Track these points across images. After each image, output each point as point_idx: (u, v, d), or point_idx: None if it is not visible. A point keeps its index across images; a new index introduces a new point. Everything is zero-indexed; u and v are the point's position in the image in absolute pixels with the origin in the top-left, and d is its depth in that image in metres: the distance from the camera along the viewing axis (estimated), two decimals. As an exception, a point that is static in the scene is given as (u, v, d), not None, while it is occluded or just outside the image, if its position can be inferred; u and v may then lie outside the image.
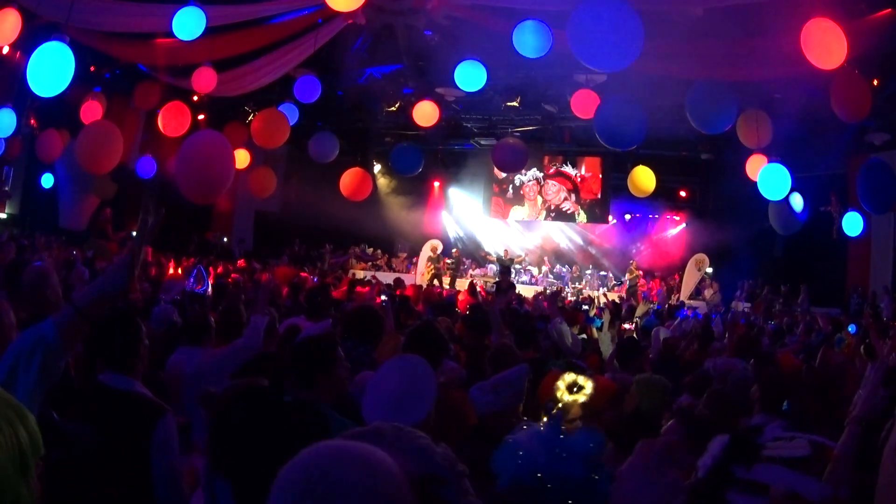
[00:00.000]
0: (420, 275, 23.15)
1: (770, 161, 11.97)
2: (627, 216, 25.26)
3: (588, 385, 4.49)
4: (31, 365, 2.76)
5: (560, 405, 4.33)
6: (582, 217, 25.25)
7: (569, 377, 4.56)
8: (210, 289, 9.80)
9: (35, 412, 2.81)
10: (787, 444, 3.43)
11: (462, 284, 21.21)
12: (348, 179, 16.23)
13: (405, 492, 1.30)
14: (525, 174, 25.05)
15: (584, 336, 9.53)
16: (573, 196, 25.22)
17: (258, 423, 2.08)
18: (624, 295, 20.40)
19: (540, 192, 25.62)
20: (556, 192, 25.45)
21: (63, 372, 3.03)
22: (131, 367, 3.66)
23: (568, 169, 25.31)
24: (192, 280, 10.09)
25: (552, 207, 25.51)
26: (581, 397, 4.39)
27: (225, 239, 23.74)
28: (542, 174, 25.54)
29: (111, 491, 3.36)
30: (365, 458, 1.31)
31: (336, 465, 1.28)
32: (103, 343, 3.65)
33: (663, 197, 23.37)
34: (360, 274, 21.38)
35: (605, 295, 20.09)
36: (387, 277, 18.53)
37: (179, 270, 12.39)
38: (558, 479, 2.27)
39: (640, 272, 22.56)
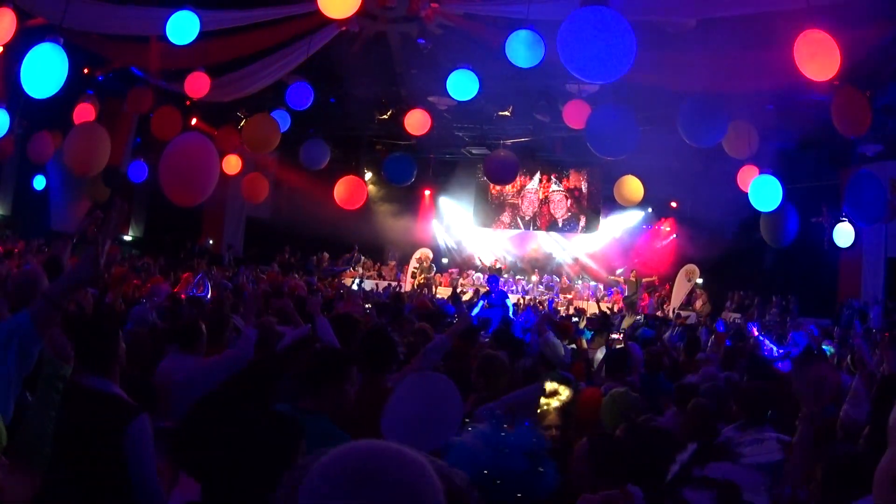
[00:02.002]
0: (409, 283, 23.13)
1: (761, 172, 11.98)
2: (617, 226, 25.22)
3: (566, 393, 4.52)
4: (9, 353, 3.03)
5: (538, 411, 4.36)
6: (572, 227, 25.29)
7: (549, 385, 4.58)
8: (210, 294, 9.80)
9: (14, 396, 3.00)
10: (762, 449, 3.53)
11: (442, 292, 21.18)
12: (343, 187, 16.19)
13: (441, 498, 1.34)
14: (515, 184, 25.03)
15: (574, 346, 9.53)
16: (563, 206, 25.26)
17: (223, 434, 2.07)
18: (615, 306, 20.35)
19: (531, 202, 25.66)
20: (547, 201, 25.50)
21: None
22: (108, 370, 3.74)
23: (559, 179, 25.38)
24: (193, 284, 10.08)
25: (543, 217, 25.55)
26: (557, 404, 4.43)
27: (211, 241, 23.54)
28: (532, 184, 25.60)
29: (90, 486, 3.43)
30: (415, 459, 1.34)
31: (387, 462, 1.30)
32: (81, 346, 3.73)
33: (653, 207, 23.43)
34: (347, 282, 21.23)
35: (597, 304, 20.02)
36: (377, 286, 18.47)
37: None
38: (503, 473, 2.36)
39: (644, 282, 22.40)
